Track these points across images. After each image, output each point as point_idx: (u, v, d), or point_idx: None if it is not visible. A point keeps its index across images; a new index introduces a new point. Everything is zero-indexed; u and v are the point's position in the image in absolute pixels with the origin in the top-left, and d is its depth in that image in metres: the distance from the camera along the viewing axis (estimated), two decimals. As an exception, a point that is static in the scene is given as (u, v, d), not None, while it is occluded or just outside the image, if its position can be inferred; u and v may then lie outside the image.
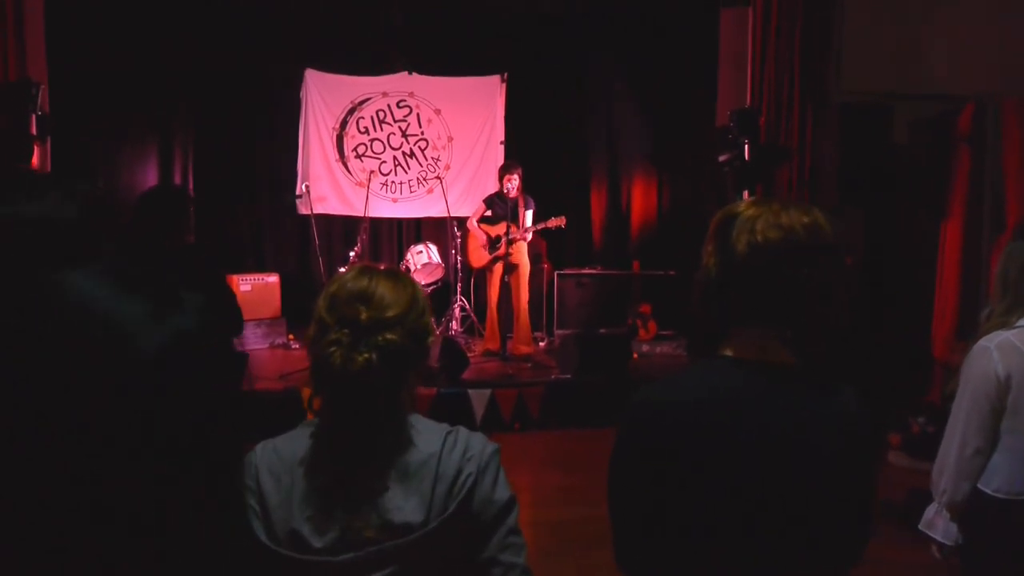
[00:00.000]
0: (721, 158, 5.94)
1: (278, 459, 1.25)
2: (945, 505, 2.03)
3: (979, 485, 1.99)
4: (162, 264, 3.18)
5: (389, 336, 1.21)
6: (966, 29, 5.94)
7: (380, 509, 1.20)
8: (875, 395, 4.75)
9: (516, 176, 6.35)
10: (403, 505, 1.20)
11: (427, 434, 1.28)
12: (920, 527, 2.09)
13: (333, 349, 1.20)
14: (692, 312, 1.28)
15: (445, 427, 1.31)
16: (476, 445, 1.28)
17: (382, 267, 1.33)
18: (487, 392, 5.46)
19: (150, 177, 7.33)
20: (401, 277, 1.31)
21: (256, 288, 6.92)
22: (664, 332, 7.18)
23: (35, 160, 5.54)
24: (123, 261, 0.85)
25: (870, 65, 5.90)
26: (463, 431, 1.31)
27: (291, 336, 7.01)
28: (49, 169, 5.76)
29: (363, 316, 1.21)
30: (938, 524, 2.05)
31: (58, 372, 0.76)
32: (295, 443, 1.27)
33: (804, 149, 5.97)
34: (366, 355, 1.19)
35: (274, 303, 7.07)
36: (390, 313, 1.23)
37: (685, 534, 1.17)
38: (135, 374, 0.75)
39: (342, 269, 6.84)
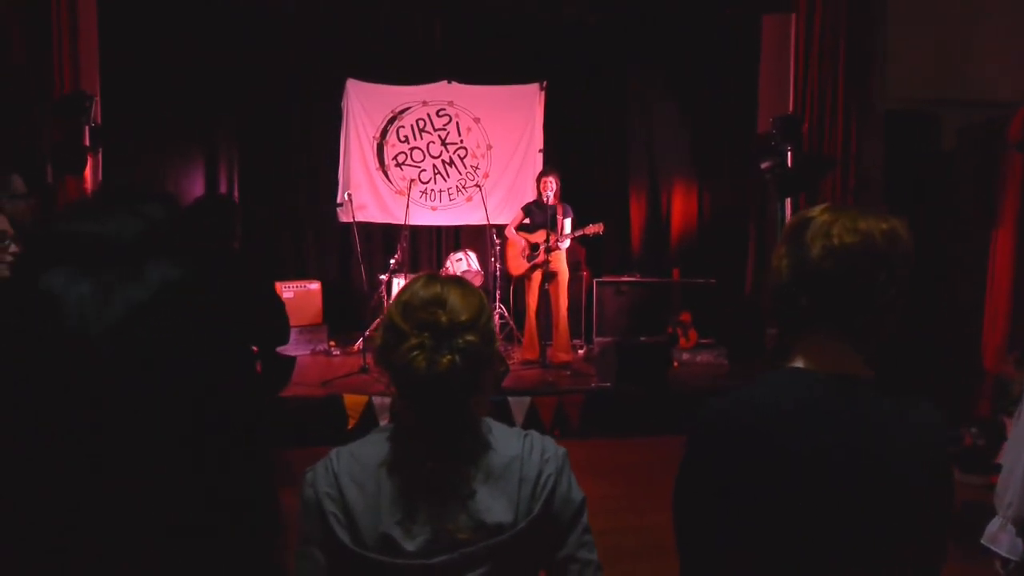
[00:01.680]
0: (763, 165, 5.89)
1: (359, 465, 1.27)
2: (1011, 519, 1.98)
3: (1045, 499, 1.94)
4: (212, 270, 3.24)
5: (469, 338, 1.23)
6: (1014, 34, 5.82)
7: (471, 510, 1.22)
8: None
9: (554, 181, 6.34)
10: (493, 506, 1.23)
11: (504, 437, 1.32)
12: (983, 541, 2.05)
13: (416, 353, 1.21)
14: (743, 317, 1.26)
15: (519, 430, 1.34)
16: (551, 447, 1.33)
17: (448, 275, 1.36)
18: (527, 399, 5.46)
19: (196, 186, 7.49)
20: (467, 284, 1.34)
21: (298, 295, 7.02)
22: (705, 340, 7.12)
23: (87, 171, 5.70)
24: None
25: (916, 71, 5.81)
26: (536, 434, 1.34)
27: (332, 342, 7.09)
28: (100, 179, 5.92)
29: (443, 319, 1.23)
30: (1003, 539, 2.00)
31: (27, 374, 0.72)
32: (374, 448, 1.29)
33: (848, 157, 5.90)
34: (449, 357, 1.21)
35: (316, 310, 7.16)
36: (464, 317, 1.25)
37: (755, 555, 1.15)
38: (84, 359, 0.68)
39: (382, 276, 6.97)
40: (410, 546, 1.20)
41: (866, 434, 1.15)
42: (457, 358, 1.21)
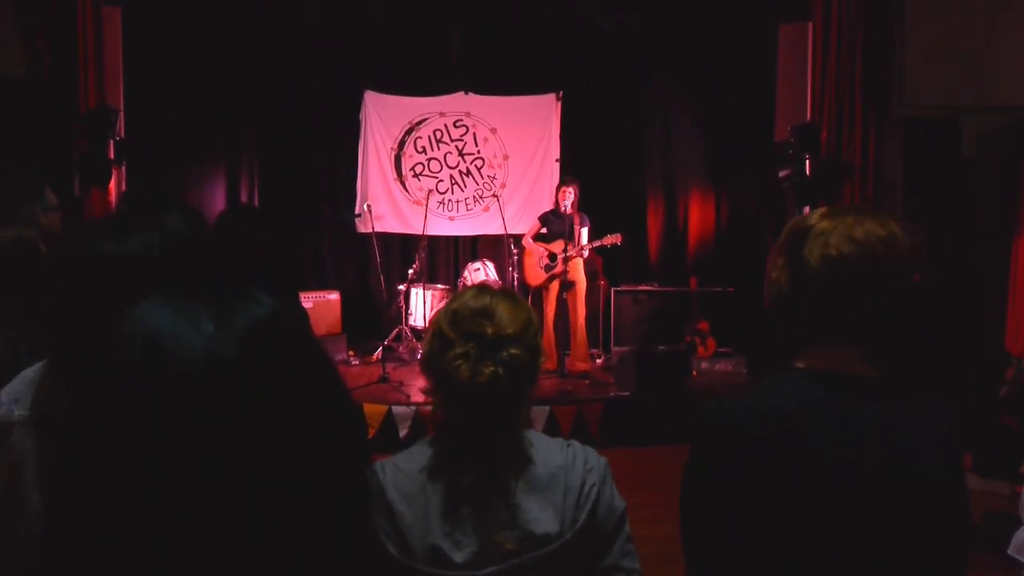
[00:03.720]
0: (781, 174, 5.89)
1: (405, 477, 1.28)
2: (1037, 528, 1.97)
3: (1072, 508, 1.93)
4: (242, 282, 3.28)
5: (513, 351, 1.24)
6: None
7: (518, 521, 1.23)
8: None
9: (572, 191, 6.33)
10: (540, 517, 1.23)
11: (546, 447, 1.32)
12: (1009, 552, 2.04)
13: (460, 362, 1.22)
14: (772, 324, 1.26)
15: (561, 440, 1.35)
16: (593, 457, 1.33)
17: (499, 287, 1.39)
18: (546, 409, 5.47)
19: (218, 199, 7.58)
20: (517, 298, 1.35)
21: (318, 305, 7.07)
22: (723, 349, 7.10)
23: (112, 183, 5.80)
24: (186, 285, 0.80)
25: (935, 78, 5.79)
26: (578, 445, 1.35)
27: (351, 352, 7.13)
28: (124, 189, 6.01)
29: (489, 331, 1.24)
30: (1029, 548, 1.99)
31: (137, 408, 0.73)
32: (419, 459, 1.30)
33: (867, 164, 5.88)
34: (492, 368, 1.22)
35: (335, 320, 7.21)
36: (510, 330, 1.26)
37: (762, 557, 1.13)
38: (186, 392, 0.68)
39: (400, 287, 7.00)
40: (459, 558, 1.21)
41: (874, 434, 1.13)
42: (500, 370, 1.22)
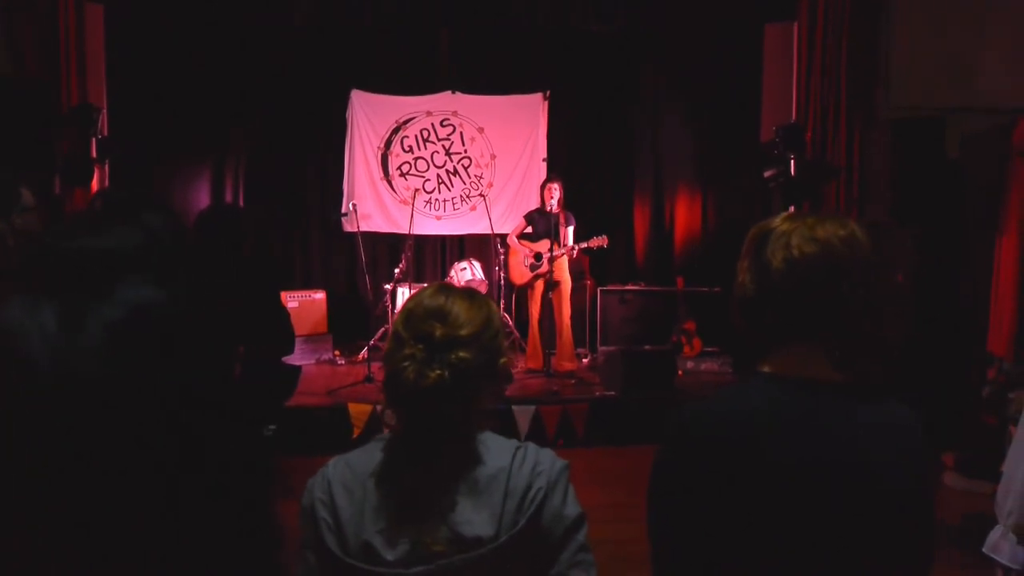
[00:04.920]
0: (766, 174, 5.90)
1: (351, 473, 1.28)
2: (1012, 528, 1.98)
3: (1047, 508, 1.93)
4: (221, 282, 3.26)
5: (462, 354, 1.22)
6: (1019, 40, 5.82)
7: (450, 523, 1.21)
8: (927, 415, 4.65)
9: (557, 189, 6.32)
10: (473, 519, 1.21)
11: (496, 450, 1.29)
12: (984, 550, 2.04)
13: (407, 364, 1.22)
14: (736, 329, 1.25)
15: (515, 443, 1.32)
16: (546, 460, 1.28)
17: (460, 286, 1.35)
18: (531, 408, 5.46)
19: (203, 197, 7.53)
20: (477, 297, 1.33)
21: (303, 305, 7.05)
22: (709, 349, 7.10)
23: (95, 182, 5.74)
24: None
25: (920, 79, 5.81)
26: (532, 447, 1.31)
27: (337, 352, 7.11)
28: (107, 188, 5.96)
29: (438, 333, 1.23)
30: (1004, 548, 1.99)
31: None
32: (368, 456, 1.30)
33: (852, 165, 5.89)
34: (438, 371, 1.21)
35: (321, 319, 7.19)
36: (464, 331, 1.24)
37: (726, 559, 1.13)
38: (49, 390, 0.64)
39: (387, 286, 6.98)
40: (390, 556, 1.20)
41: (836, 438, 1.13)
42: (446, 374, 1.21)
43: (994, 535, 2.03)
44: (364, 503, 1.23)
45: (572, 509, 1.26)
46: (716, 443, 1.14)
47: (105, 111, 5.96)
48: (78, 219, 1.33)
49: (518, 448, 1.30)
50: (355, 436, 5.18)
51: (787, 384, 1.17)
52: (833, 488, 1.11)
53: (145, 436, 0.69)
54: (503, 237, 6.99)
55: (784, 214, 1.24)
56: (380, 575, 1.20)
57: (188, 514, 0.72)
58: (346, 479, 1.27)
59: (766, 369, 1.20)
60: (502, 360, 1.32)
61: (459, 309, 1.27)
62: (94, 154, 5.71)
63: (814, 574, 1.12)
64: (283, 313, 3.49)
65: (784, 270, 1.15)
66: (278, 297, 3.67)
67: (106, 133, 5.95)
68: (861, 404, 1.17)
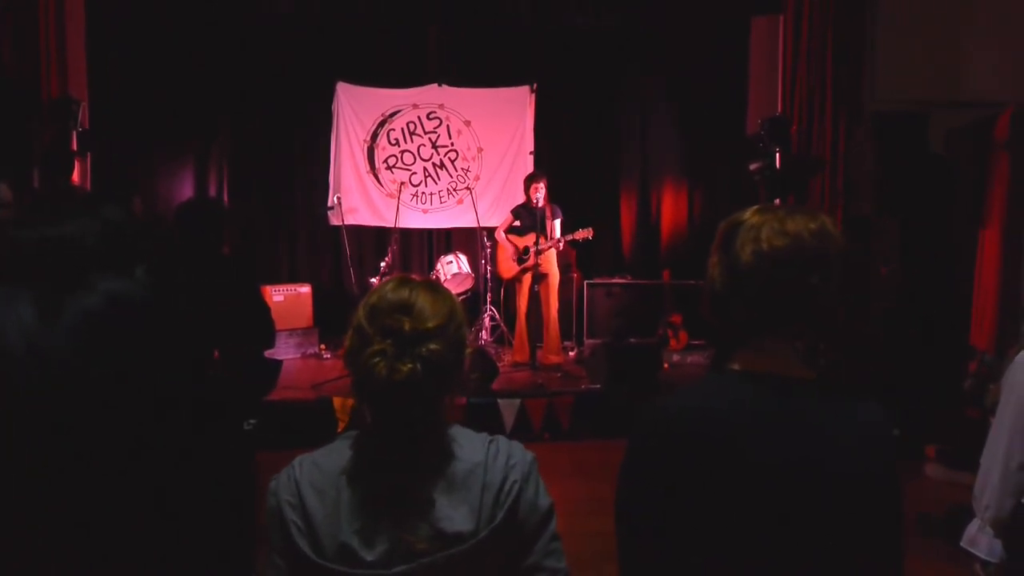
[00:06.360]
0: (752, 167, 5.91)
1: (320, 473, 1.26)
2: (989, 522, 1.99)
3: None
4: (198, 275, 3.23)
5: (432, 346, 1.21)
6: (1002, 34, 5.84)
7: (430, 519, 1.20)
8: (911, 407, 4.67)
9: (542, 185, 6.36)
10: (453, 515, 1.20)
11: (469, 444, 1.28)
12: (962, 544, 2.05)
13: (377, 360, 1.20)
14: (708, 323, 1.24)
15: (485, 436, 1.31)
16: (517, 453, 1.29)
17: (420, 279, 1.34)
18: (516, 402, 5.46)
19: (186, 190, 7.47)
20: (440, 289, 1.32)
21: (289, 299, 7.01)
22: (695, 342, 7.13)
23: (76, 175, 5.68)
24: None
25: (905, 73, 5.83)
26: (503, 440, 1.31)
27: (323, 346, 7.08)
28: (89, 184, 5.90)
29: (406, 326, 1.22)
30: (981, 541, 2.00)
31: None
32: (336, 455, 1.28)
33: (837, 158, 5.90)
34: (410, 365, 1.19)
35: (306, 313, 7.15)
36: (431, 324, 1.23)
37: (693, 555, 1.13)
38: (23, 380, 0.65)
39: (373, 280, 6.95)
40: (369, 556, 1.18)
41: (805, 435, 1.13)
42: (418, 366, 1.19)
43: (971, 529, 2.04)
44: (338, 503, 1.21)
45: (544, 500, 1.28)
46: (682, 440, 1.13)
47: (86, 103, 5.89)
48: (36, 209, 1.32)
49: (490, 441, 1.30)
50: (340, 430, 5.16)
51: (757, 381, 1.16)
52: (801, 485, 1.11)
53: (121, 427, 0.69)
54: (490, 231, 6.97)
55: (755, 207, 1.23)
56: None
57: (162, 505, 0.73)
58: (315, 479, 1.25)
59: (736, 366, 1.19)
60: (467, 351, 1.31)
61: (424, 302, 1.25)
62: (75, 147, 5.64)
63: (786, 570, 1.11)
64: (263, 307, 3.46)
65: (753, 263, 1.14)
66: (258, 291, 3.63)
67: (87, 126, 5.88)
68: (831, 401, 1.17)
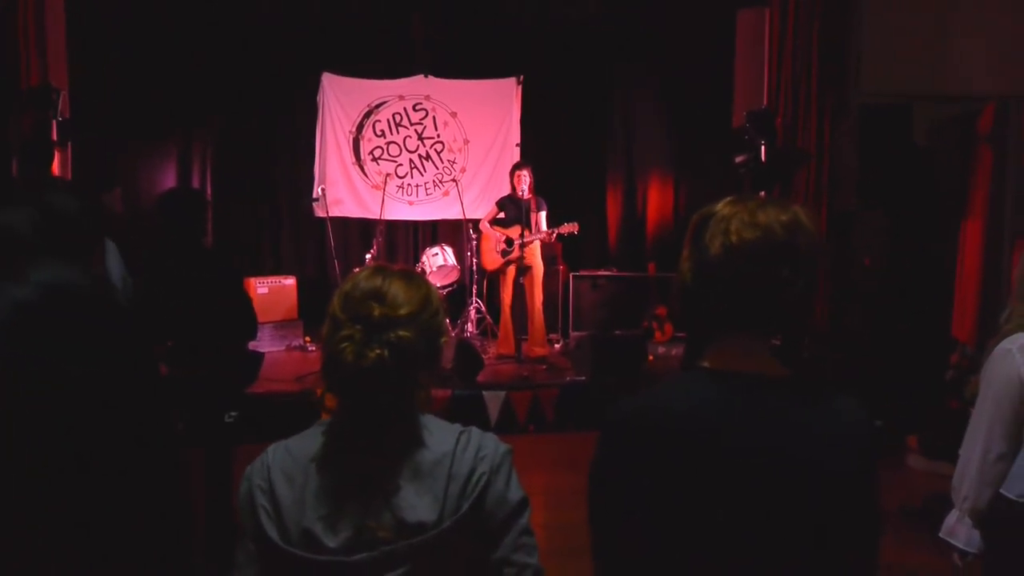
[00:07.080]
0: (737, 160, 5.91)
1: (291, 459, 1.26)
2: (967, 512, 1.99)
3: (1002, 491, 1.95)
4: (179, 266, 3.20)
5: (401, 333, 1.21)
6: (987, 28, 5.87)
7: (393, 508, 1.19)
8: (895, 398, 4.70)
9: (527, 173, 6.35)
10: (416, 504, 1.20)
11: (439, 434, 1.28)
12: (941, 535, 2.06)
13: (345, 345, 1.20)
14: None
15: (458, 427, 1.30)
16: (489, 445, 1.28)
17: (397, 267, 1.34)
18: (502, 394, 5.46)
19: (169, 181, 7.40)
20: (414, 277, 1.32)
21: (273, 290, 6.97)
22: (680, 334, 7.14)
23: (56, 165, 5.60)
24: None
25: (890, 66, 5.84)
26: (476, 431, 1.31)
27: (307, 338, 7.04)
28: (70, 174, 5.82)
29: (376, 313, 1.21)
30: (960, 532, 2.01)
31: None
32: (308, 442, 1.28)
33: (822, 151, 5.92)
34: (378, 351, 1.19)
35: (291, 305, 7.11)
36: (403, 311, 1.23)
37: (665, 553, 1.11)
38: None
39: (357, 271, 6.90)
40: (331, 543, 1.18)
41: (776, 432, 1.11)
42: (386, 352, 1.19)
43: (950, 519, 2.04)
44: (305, 489, 1.21)
45: (515, 494, 1.26)
46: (651, 438, 1.11)
47: (66, 92, 5.80)
48: None
49: (462, 432, 1.29)
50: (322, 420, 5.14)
51: (728, 379, 1.13)
52: (773, 484, 1.09)
53: (49, 417, 0.68)
54: (475, 223, 6.95)
55: (728, 198, 1.20)
56: (321, 563, 1.18)
57: (100, 499, 0.72)
58: (286, 465, 1.25)
59: (706, 364, 1.17)
60: (442, 340, 1.31)
61: (397, 289, 1.25)
62: (55, 136, 5.56)
63: (763, 568, 1.10)
64: (245, 298, 3.44)
65: (722, 256, 1.12)
66: (240, 282, 3.61)
67: (67, 115, 5.79)
68: (803, 398, 1.14)
